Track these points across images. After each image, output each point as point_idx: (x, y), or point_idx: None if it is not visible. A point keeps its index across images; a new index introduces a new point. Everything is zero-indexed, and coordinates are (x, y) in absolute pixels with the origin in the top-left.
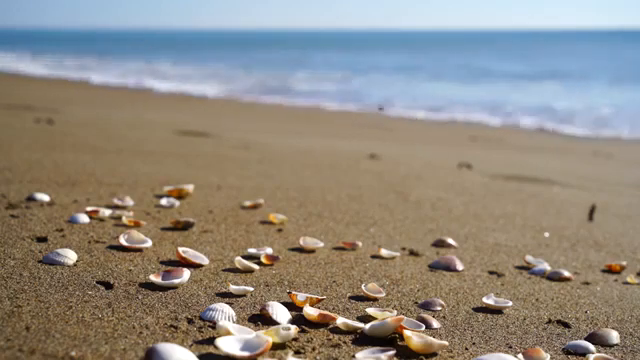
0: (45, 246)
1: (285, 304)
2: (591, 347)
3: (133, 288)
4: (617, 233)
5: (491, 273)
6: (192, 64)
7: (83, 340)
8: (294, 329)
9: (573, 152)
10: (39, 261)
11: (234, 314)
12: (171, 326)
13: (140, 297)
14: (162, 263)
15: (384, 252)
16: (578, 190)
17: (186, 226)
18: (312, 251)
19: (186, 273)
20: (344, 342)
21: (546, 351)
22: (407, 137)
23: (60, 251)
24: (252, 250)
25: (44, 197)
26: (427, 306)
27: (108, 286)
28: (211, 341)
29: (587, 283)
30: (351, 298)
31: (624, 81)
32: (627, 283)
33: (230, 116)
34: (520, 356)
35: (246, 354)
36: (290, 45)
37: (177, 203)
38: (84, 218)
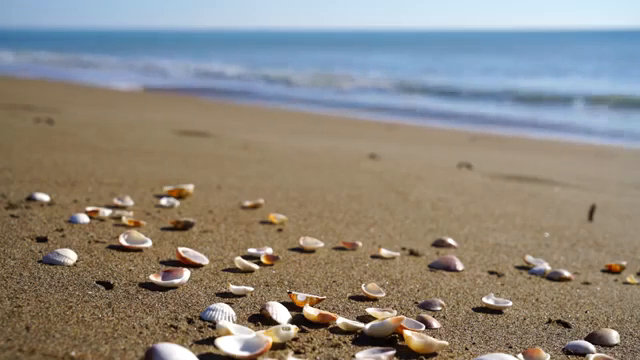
0: (45, 246)
1: (285, 304)
2: (591, 347)
3: (133, 288)
4: (617, 233)
5: (491, 273)
6: (193, 63)
7: (83, 340)
8: (294, 329)
9: (573, 152)
10: (39, 261)
11: (234, 314)
12: (171, 326)
13: (140, 297)
14: (162, 263)
15: (384, 252)
16: (578, 190)
17: (186, 226)
18: (312, 251)
19: (186, 273)
20: (344, 342)
21: (546, 351)
22: (407, 137)
23: (60, 251)
24: (252, 250)
25: (44, 197)
26: (427, 306)
27: (108, 286)
28: (211, 341)
29: (587, 283)
30: (351, 298)
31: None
32: (627, 283)
33: (230, 116)
34: (520, 356)
35: (246, 354)
36: (291, 45)
37: (177, 203)
38: (84, 218)
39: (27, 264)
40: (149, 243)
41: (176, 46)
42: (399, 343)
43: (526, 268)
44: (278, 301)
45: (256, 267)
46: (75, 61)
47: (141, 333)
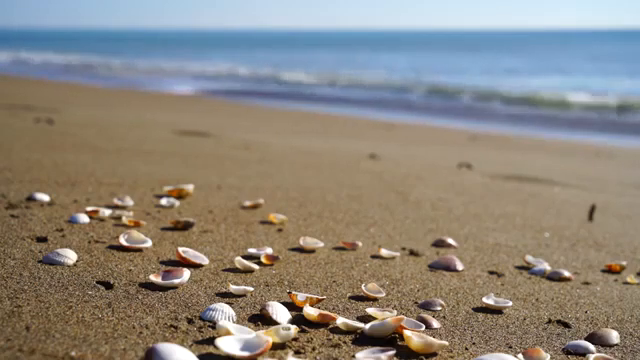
0: (45, 246)
1: (285, 304)
2: (591, 347)
3: (133, 288)
4: (617, 233)
5: (491, 273)
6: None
7: (83, 340)
8: (294, 329)
9: (573, 152)
10: (39, 261)
11: (234, 314)
12: (171, 326)
13: (140, 297)
14: (162, 263)
15: (384, 252)
16: (578, 190)
17: (186, 226)
18: (312, 251)
19: (186, 273)
20: (344, 342)
21: (546, 351)
22: (407, 137)
23: (60, 251)
24: (252, 250)
25: (44, 197)
26: (427, 306)
27: (108, 286)
28: (211, 341)
29: (587, 283)
30: (351, 298)
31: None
32: (627, 283)
33: (230, 116)
34: (520, 356)
35: (246, 354)
36: (294, 44)
37: (177, 203)
38: (84, 218)
39: (27, 264)
40: (149, 243)
41: (181, 47)
42: (399, 343)
43: (526, 268)
44: (278, 301)
45: (256, 267)
46: (95, 64)
47: (141, 333)
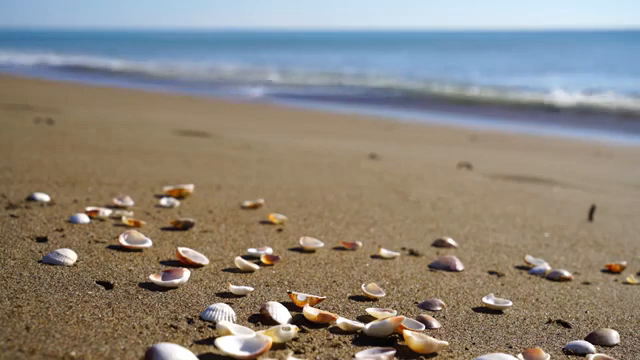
0: (45, 246)
1: (285, 304)
2: (591, 347)
3: (133, 288)
4: (617, 233)
5: (491, 273)
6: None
7: (83, 340)
8: (294, 329)
9: (573, 152)
10: (39, 261)
11: (234, 314)
12: (171, 326)
13: (140, 297)
14: (162, 263)
15: (384, 252)
16: (578, 190)
17: (186, 226)
18: (312, 251)
19: (186, 273)
20: (344, 342)
21: (546, 351)
22: (407, 137)
23: (60, 251)
24: (252, 250)
25: (44, 197)
26: (427, 306)
27: (108, 286)
28: (211, 341)
29: (587, 283)
30: (351, 298)
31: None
32: (627, 283)
33: (230, 116)
34: (520, 356)
35: (246, 354)
36: (295, 45)
37: (177, 203)
38: (84, 218)
39: (27, 264)
40: (149, 243)
41: (182, 47)
42: (399, 343)
43: (526, 268)
44: (278, 301)
45: (256, 267)
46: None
47: (141, 333)
